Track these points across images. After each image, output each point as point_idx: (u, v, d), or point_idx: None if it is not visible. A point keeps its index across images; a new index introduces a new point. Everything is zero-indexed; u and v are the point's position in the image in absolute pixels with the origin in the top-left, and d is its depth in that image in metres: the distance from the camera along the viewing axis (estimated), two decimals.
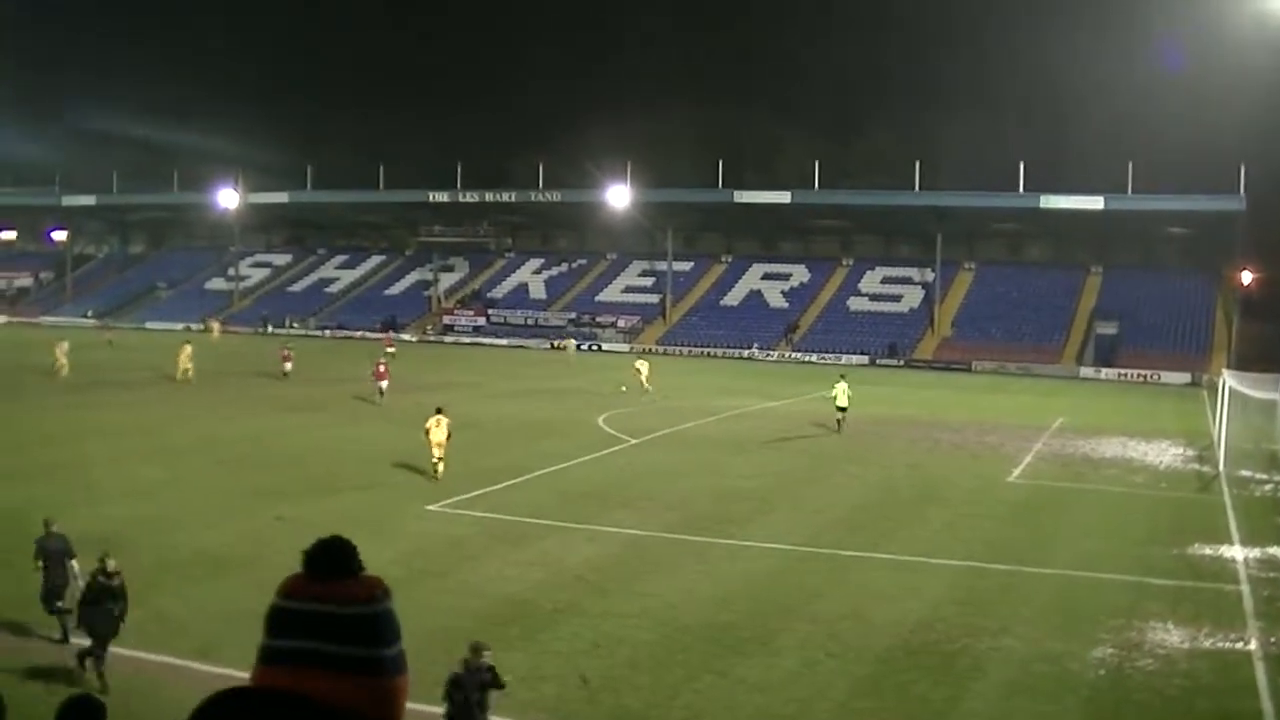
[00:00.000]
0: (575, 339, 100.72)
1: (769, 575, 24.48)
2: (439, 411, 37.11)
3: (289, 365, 66.11)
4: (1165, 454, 46.05)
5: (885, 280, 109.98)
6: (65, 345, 64.43)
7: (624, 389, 62.25)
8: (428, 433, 36.37)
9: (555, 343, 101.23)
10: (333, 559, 2.55)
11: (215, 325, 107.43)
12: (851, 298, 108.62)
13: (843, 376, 50.74)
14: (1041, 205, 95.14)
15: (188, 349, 64.17)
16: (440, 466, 36.11)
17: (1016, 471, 40.08)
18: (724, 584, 23.53)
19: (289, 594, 2.50)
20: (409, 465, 36.78)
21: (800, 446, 44.07)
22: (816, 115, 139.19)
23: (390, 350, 76.74)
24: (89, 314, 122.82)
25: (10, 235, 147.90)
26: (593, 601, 21.93)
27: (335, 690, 2.39)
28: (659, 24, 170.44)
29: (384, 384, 56.51)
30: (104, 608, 17.10)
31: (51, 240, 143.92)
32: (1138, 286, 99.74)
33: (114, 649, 17.98)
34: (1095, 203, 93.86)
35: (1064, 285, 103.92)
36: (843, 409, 48.49)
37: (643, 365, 64.38)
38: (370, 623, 2.48)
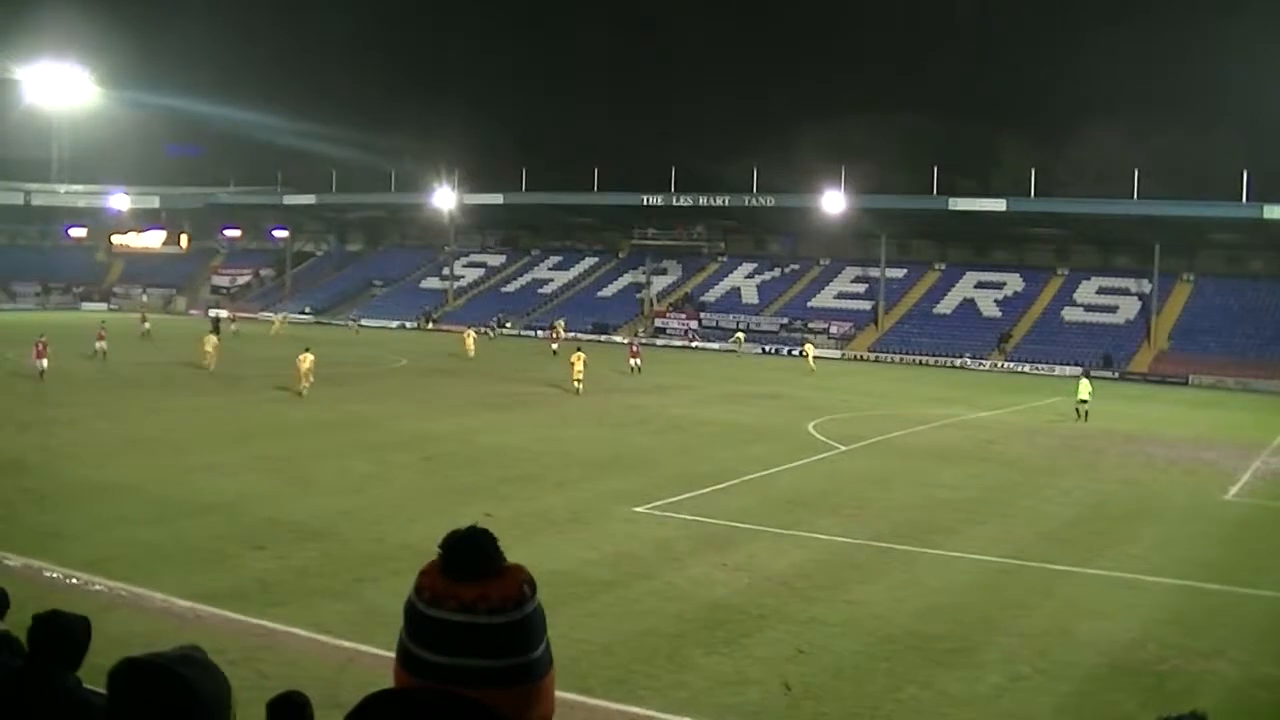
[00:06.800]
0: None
1: (975, 587, 24.29)
2: (579, 349, 59.71)
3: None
4: None
5: (1101, 290, 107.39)
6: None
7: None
8: (572, 365, 56.36)
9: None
10: (474, 558, 2.52)
11: (559, 325, 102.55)
12: (1066, 308, 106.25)
13: (1086, 375, 64.29)
14: (1265, 216, 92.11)
15: (472, 334, 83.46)
16: (580, 386, 55.79)
17: (1234, 489, 38.80)
18: (930, 595, 23.40)
19: (432, 600, 2.49)
20: (617, 466, 37.22)
21: (1011, 458, 43.38)
22: (1033, 122, 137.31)
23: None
24: (307, 310, 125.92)
25: (236, 233, 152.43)
26: (798, 608, 21.99)
27: (488, 700, 2.42)
28: (874, 30, 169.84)
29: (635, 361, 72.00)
30: None
31: (273, 238, 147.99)
32: None
33: (329, 639, 18.58)
34: None
35: None
36: (1084, 401, 55.71)
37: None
38: (519, 629, 2.45)
